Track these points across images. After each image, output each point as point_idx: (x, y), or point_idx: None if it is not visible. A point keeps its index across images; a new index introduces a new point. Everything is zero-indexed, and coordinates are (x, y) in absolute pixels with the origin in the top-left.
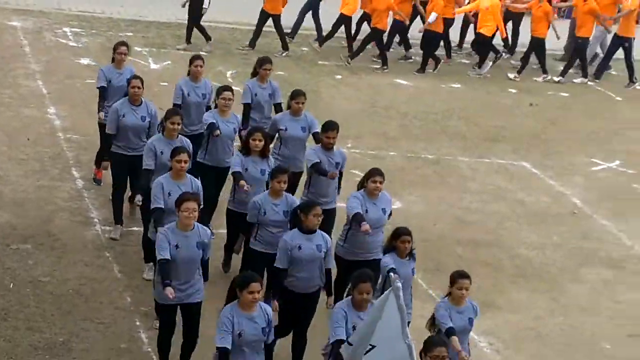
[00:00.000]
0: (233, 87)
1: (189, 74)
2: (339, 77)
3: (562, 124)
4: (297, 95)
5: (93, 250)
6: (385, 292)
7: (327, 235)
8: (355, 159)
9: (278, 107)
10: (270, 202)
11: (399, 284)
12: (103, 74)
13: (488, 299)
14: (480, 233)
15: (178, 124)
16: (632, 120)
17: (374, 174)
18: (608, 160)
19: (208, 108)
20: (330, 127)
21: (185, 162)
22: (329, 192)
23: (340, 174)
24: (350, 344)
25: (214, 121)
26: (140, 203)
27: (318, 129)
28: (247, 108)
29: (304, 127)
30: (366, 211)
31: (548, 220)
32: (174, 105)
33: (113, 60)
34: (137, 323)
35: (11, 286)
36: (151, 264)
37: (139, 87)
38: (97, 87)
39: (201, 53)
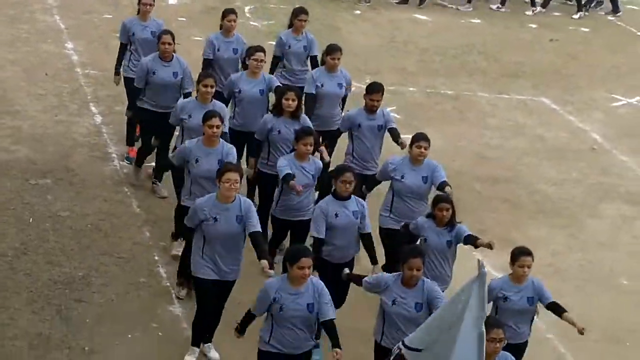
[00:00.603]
0: (251, 22)
1: (221, 28)
2: (358, 12)
3: (583, 59)
4: (332, 50)
5: (112, 185)
6: (469, 282)
7: (362, 200)
8: None
9: (314, 60)
10: (297, 165)
11: (485, 271)
12: (125, 27)
13: (506, 235)
14: (499, 169)
15: (212, 87)
16: None
17: (419, 138)
18: (628, 95)
19: (243, 64)
20: (375, 88)
21: (218, 127)
22: (372, 156)
23: (392, 130)
24: (416, 350)
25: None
26: (157, 144)
27: (353, 87)
28: (276, 61)
29: (340, 84)
30: (402, 177)
31: (567, 155)
32: (205, 60)
33: (138, 12)
34: (156, 258)
35: (30, 221)
36: (180, 239)
37: (169, 43)
38: (120, 42)
39: None
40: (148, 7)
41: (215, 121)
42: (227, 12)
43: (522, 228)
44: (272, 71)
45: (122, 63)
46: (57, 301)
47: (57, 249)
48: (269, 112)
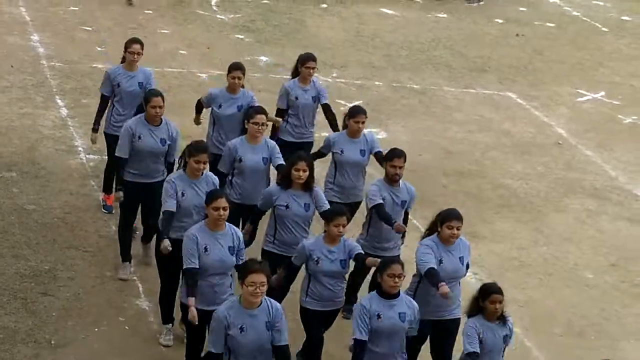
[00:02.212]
0: (218, 16)
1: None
2: (324, 5)
3: (548, 54)
4: (356, 113)
5: (78, 178)
6: None
7: (413, 302)
8: (341, 89)
9: (326, 108)
10: (325, 248)
11: None
12: (108, 77)
13: (472, 229)
14: (465, 163)
15: (205, 163)
16: (617, 50)
17: (451, 217)
18: (593, 91)
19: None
20: (397, 154)
21: (225, 209)
22: (392, 235)
23: (406, 214)
24: None
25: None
26: (122, 199)
27: (380, 148)
28: (281, 115)
29: (363, 150)
30: (440, 262)
31: (533, 150)
32: (199, 101)
33: (123, 60)
34: None
35: None
36: (170, 325)
37: (160, 107)
38: (101, 94)
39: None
40: (136, 56)
41: (222, 202)
42: (233, 68)
43: (488, 222)
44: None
45: (108, 119)
46: (23, 295)
47: (23, 243)
48: (276, 183)
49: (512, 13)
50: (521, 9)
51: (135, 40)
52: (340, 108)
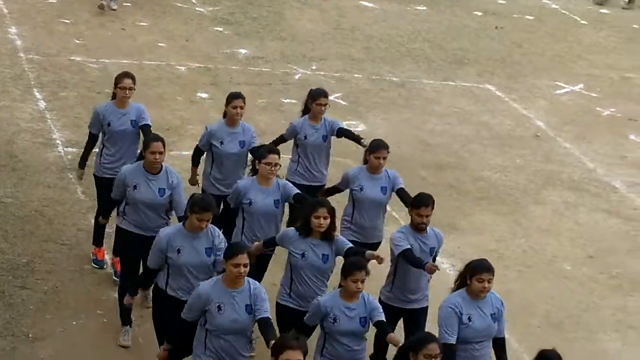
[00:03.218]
0: (197, 8)
1: (225, 116)
2: None
3: (527, 47)
4: (377, 147)
5: (55, 172)
6: None
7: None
8: (320, 81)
9: (342, 132)
10: (343, 305)
11: None
12: (97, 116)
13: (451, 221)
14: (444, 156)
15: (209, 221)
16: (596, 43)
17: (481, 270)
18: (572, 83)
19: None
20: (424, 202)
21: (246, 265)
22: (419, 286)
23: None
24: None
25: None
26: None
27: (402, 185)
28: (281, 141)
29: (384, 187)
30: (469, 319)
31: (511, 143)
32: (197, 148)
33: (114, 96)
34: None
35: None
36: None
37: (160, 153)
38: (90, 132)
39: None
40: (128, 91)
41: (244, 259)
42: (233, 97)
43: (467, 214)
44: (276, 143)
45: (97, 161)
46: (1, 288)
47: (0, 236)
48: (294, 230)
49: (491, 5)
50: (500, 1)
51: (126, 75)
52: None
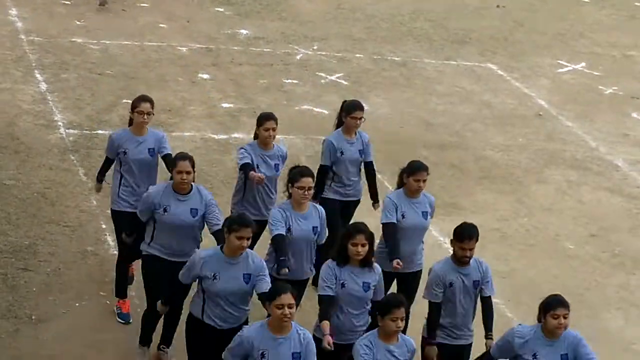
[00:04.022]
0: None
1: (256, 138)
2: None
3: (529, 25)
4: (417, 170)
5: (57, 153)
6: None
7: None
8: (322, 61)
9: (369, 168)
10: (383, 346)
11: None
12: (113, 144)
13: (453, 201)
14: (446, 135)
15: (249, 240)
16: (598, 21)
17: (557, 305)
18: (574, 62)
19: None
20: (468, 234)
21: (292, 306)
22: (465, 320)
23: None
24: None
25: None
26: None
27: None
28: (325, 171)
29: (425, 212)
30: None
31: (514, 122)
32: (244, 165)
33: (130, 122)
34: (103, 226)
35: None
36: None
37: (188, 172)
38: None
39: None
40: (146, 116)
41: (288, 299)
42: (265, 119)
43: (469, 193)
44: (321, 185)
45: (115, 192)
46: (3, 270)
47: (3, 218)
48: (331, 260)
49: None
50: None
51: (143, 99)
52: (321, 81)
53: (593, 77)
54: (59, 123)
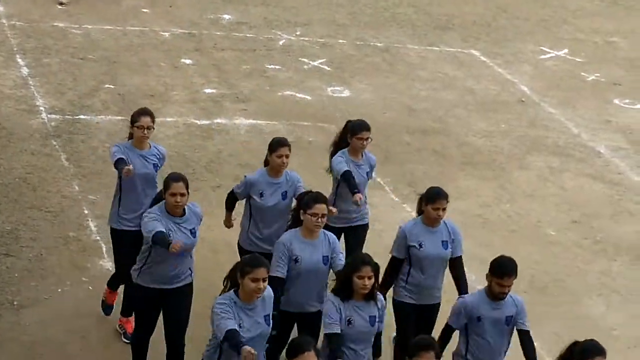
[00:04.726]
0: None
1: (266, 165)
2: None
3: (512, 11)
4: (437, 197)
5: (39, 138)
6: None
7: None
8: (304, 47)
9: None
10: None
11: None
12: (119, 149)
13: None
14: (429, 121)
15: (265, 281)
16: (580, 8)
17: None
18: (556, 48)
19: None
20: (508, 270)
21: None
22: (496, 350)
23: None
24: None
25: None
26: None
27: (461, 252)
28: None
29: (445, 242)
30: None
31: (496, 108)
32: (232, 193)
33: (130, 136)
34: (85, 211)
35: None
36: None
37: (182, 194)
38: (115, 161)
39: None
40: (146, 131)
41: (311, 357)
42: (279, 145)
43: (451, 179)
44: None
45: (115, 211)
46: None
47: None
48: (333, 296)
49: None
50: None
51: (144, 112)
52: (311, 69)
53: (576, 64)
54: (41, 108)
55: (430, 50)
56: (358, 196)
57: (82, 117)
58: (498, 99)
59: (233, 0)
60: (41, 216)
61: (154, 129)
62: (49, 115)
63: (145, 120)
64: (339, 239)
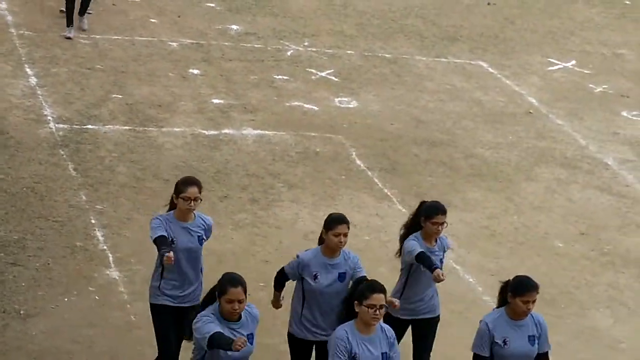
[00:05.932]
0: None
1: (320, 243)
2: None
3: (519, 23)
4: (527, 289)
5: (47, 148)
6: None
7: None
8: (312, 58)
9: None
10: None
11: None
12: (160, 223)
13: (443, 198)
14: (437, 132)
15: (240, 302)
16: (588, 19)
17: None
18: (564, 60)
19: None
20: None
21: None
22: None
23: None
24: None
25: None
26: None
27: (548, 348)
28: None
29: (532, 337)
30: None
31: (504, 119)
32: (283, 271)
33: (172, 205)
34: (93, 221)
35: None
36: None
37: (240, 301)
38: (155, 238)
39: None
40: (192, 203)
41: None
42: (336, 222)
43: (459, 191)
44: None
45: (155, 285)
46: None
47: None
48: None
49: None
50: None
51: (190, 182)
52: (312, 77)
53: (583, 75)
54: (49, 117)
55: (438, 61)
56: (439, 271)
57: (89, 126)
58: (506, 110)
59: (241, 10)
60: (48, 225)
61: (201, 200)
62: (56, 125)
63: (192, 191)
64: (404, 332)
